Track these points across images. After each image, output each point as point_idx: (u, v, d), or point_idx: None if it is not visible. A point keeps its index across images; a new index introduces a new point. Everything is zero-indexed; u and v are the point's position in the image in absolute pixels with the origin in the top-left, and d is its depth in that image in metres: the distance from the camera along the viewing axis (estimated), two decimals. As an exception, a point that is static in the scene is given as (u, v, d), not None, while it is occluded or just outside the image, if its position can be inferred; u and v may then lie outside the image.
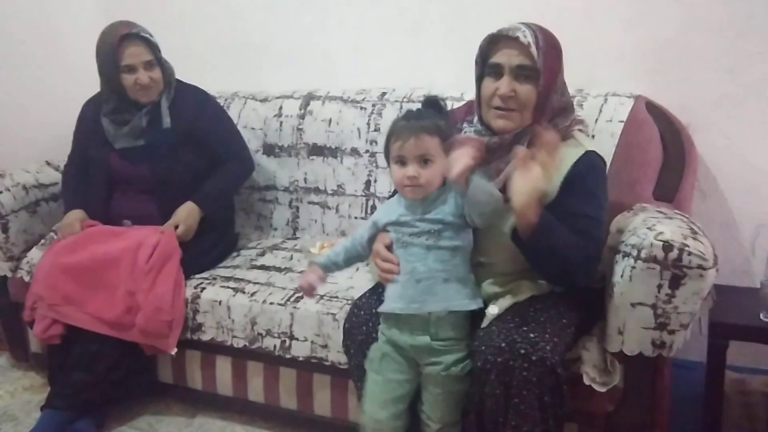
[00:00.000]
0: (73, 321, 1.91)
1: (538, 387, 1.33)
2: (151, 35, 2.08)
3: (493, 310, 1.43)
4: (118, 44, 2.02)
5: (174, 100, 2.14)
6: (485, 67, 1.51)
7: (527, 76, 1.45)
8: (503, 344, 1.34)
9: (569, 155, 1.47)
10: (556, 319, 1.42)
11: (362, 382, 1.58)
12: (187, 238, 2.04)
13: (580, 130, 1.56)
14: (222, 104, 2.43)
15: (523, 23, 1.49)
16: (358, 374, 1.59)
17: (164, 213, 2.08)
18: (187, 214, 2.07)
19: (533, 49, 1.43)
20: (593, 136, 1.84)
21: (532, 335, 1.35)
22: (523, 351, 1.33)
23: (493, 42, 1.49)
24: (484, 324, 1.43)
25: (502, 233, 1.45)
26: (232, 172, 2.23)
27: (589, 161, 1.49)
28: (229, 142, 2.25)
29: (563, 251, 1.40)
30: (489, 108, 1.50)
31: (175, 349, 1.91)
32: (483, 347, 1.37)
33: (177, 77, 2.20)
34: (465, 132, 1.57)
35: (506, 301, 1.45)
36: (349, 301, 1.79)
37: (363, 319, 1.57)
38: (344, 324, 1.62)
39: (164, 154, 2.09)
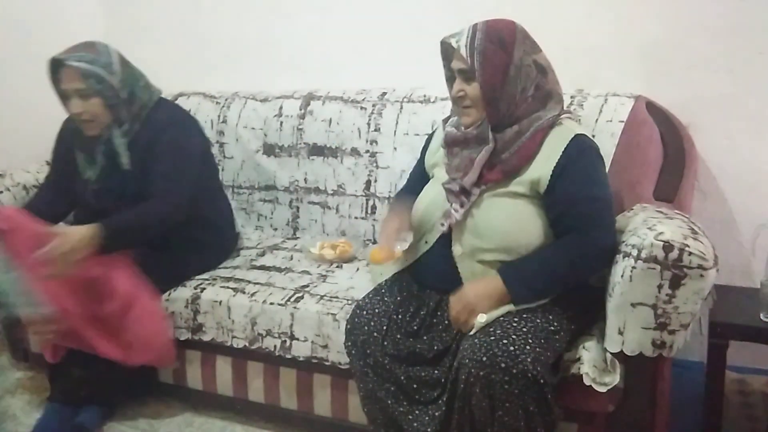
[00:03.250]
0: (76, 346, 1.85)
1: (521, 399, 1.35)
2: (87, 62, 1.86)
3: (481, 318, 1.44)
4: (51, 67, 1.89)
5: (141, 132, 1.97)
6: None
7: (469, 76, 1.54)
8: (484, 358, 1.36)
9: (559, 141, 1.52)
10: (541, 328, 1.43)
11: (364, 383, 1.58)
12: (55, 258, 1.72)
13: (569, 117, 1.60)
14: (222, 104, 2.42)
15: (472, 25, 1.55)
16: (360, 375, 1.60)
17: (142, 253, 1.94)
18: (72, 237, 1.75)
19: (462, 51, 1.52)
20: (593, 136, 1.84)
21: (512, 348, 1.36)
22: (503, 365, 1.34)
23: (443, 48, 1.61)
24: (472, 332, 1.44)
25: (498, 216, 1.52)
26: (149, 214, 1.91)
27: (580, 144, 1.52)
28: (164, 177, 1.94)
29: (562, 271, 1.48)
30: (458, 107, 1.61)
31: (176, 363, 1.96)
32: (466, 360, 1.39)
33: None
34: (445, 129, 1.66)
35: (498, 311, 1.46)
36: (350, 301, 1.79)
37: (365, 319, 1.58)
38: (346, 324, 1.63)
39: (125, 198, 1.93)
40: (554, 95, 1.58)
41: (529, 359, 1.34)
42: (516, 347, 1.36)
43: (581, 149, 1.52)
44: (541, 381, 1.35)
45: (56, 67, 1.89)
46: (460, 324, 1.48)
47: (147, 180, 1.93)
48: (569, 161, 1.49)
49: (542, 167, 1.51)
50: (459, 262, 1.55)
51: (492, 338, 1.39)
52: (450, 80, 1.63)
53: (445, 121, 1.70)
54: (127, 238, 1.88)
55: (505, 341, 1.37)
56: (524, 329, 1.41)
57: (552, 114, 1.55)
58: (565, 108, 1.62)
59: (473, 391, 1.38)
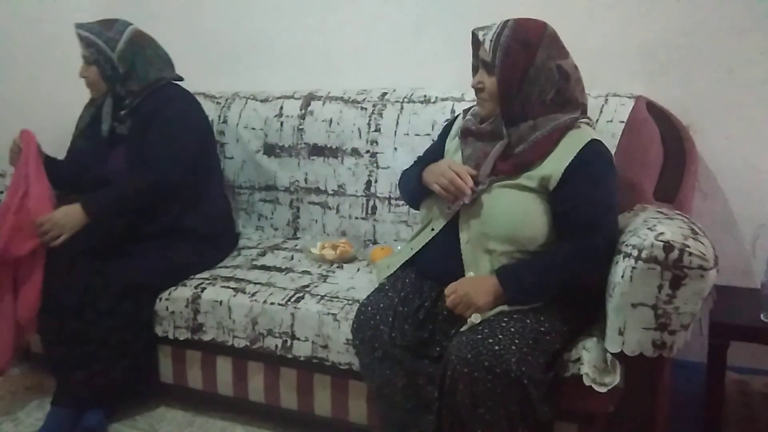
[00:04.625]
0: None
1: (502, 398, 1.36)
2: (93, 33, 2.06)
3: (476, 318, 1.45)
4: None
5: (141, 107, 2.09)
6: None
7: (490, 70, 1.57)
8: (469, 356, 1.37)
9: (574, 144, 1.54)
10: (530, 329, 1.43)
11: (374, 382, 1.59)
12: (53, 236, 1.91)
13: (587, 123, 1.61)
14: (223, 105, 2.43)
15: (504, 20, 1.58)
16: (368, 372, 1.60)
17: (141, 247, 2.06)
18: (65, 219, 1.93)
19: (487, 45, 1.56)
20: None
21: (497, 348, 1.37)
22: (486, 364, 1.35)
23: (473, 39, 1.64)
24: (464, 328, 1.45)
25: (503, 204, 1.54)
26: (133, 181, 2.04)
27: (594, 149, 1.54)
28: (157, 145, 2.06)
29: (559, 277, 1.49)
30: (477, 96, 1.65)
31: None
32: (453, 356, 1.40)
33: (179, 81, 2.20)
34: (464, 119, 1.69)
35: (490, 311, 1.46)
36: (350, 301, 1.79)
37: (370, 315, 1.59)
38: (352, 324, 1.63)
39: (107, 159, 2.10)
40: (573, 102, 1.58)
41: (513, 359, 1.35)
42: (501, 347, 1.37)
43: (596, 155, 1.53)
44: (525, 382, 1.35)
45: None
46: (459, 307, 1.48)
47: (143, 149, 2.07)
48: (582, 164, 1.51)
49: (555, 165, 1.52)
50: (464, 250, 1.57)
51: (479, 336, 1.40)
52: (475, 69, 1.65)
53: (467, 111, 1.73)
54: (113, 210, 2.02)
55: (491, 341, 1.38)
56: (512, 329, 1.41)
57: (570, 116, 1.56)
58: (586, 115, 1.63)
59: (457, 387, 1.39)
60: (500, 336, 1.39)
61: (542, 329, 1.45)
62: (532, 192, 1.53)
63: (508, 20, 1.57)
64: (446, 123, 1.87)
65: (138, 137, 2.08)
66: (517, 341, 1.39)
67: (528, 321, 1.45)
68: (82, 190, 2.08)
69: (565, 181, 1.51)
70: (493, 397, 1.36)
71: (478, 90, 1.61)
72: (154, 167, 2.06)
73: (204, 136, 2.25)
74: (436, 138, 1.91)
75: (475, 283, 1.50)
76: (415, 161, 1.89)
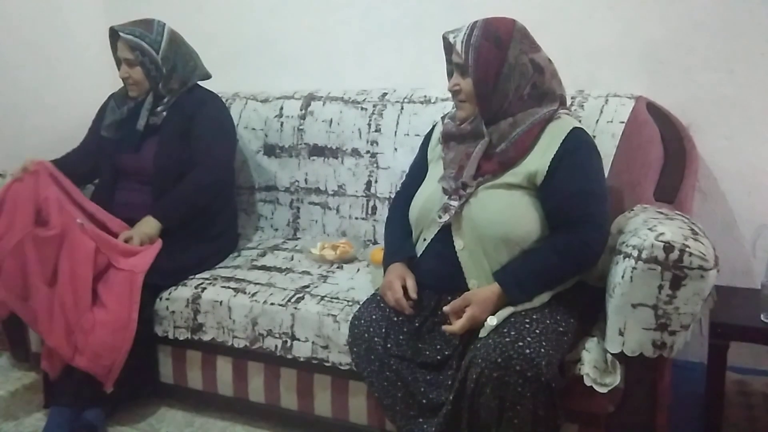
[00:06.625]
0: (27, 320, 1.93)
1: (531, 402, 1.35)
2: (136, 36, 2.12)
3: (492, 321, 1.44)
4: (110, 37, 2.17)
5: (179, 103, 2.18)
6: None
7: (464, 71, 1.57)
8: (499, 359, 1.36)
9: (555, 135, 1.55)
10: (551, 329, 1.43)
11: (375, 393, 1.59)
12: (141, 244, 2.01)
13: (567, 114, 1.62)
14: (224, 105, 2.44)
15: (472, 22, 1.59)
16: (369, 383, 1.60)
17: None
18: (144, 228, 2.04)
19: (459, 47, 1.56)
20: (594, 137, 1.84)
21: (527, 351, 1.36)
22: (518, 368, 1.34)
23: (444, 43, 1.65)
24: (482, 334, 1.43)
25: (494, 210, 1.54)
26: (194, 181, 2.13)
27: (577, 137, 1.56)
28: (207, 146, 2.16)
29: (556, 271, 1.50)
30: (454, 100, 1.66)
31: (112, 388, 1.87)
32: (479, 360, 1.38)
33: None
34: (444, 123, 1.70)
35: (505, 312, 1.46)
36: (350, 302, 1.79)
37: (363, 328, 1.59)
38: (348, 338, 1.64)
39: (138, 148, 2.16)
40: (551, 94, 1.59)
41: (543, 362, 1.35)
42: (531, 350, 1.36)
43: (579, 143, 1.55)
44: (553, 386, 1.35)
45: (114, 36, 2.17)
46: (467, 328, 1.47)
47: (190, 147, 2.16)
48: (566, 154, 1.52)
49: (539, 159, 1.53)
50: (461, 257, 1.56)
51: (507, 339, 1.38)
52: (450, 74, 1.65)
53: (444, 117, 1.73)
54: (181, 212, 2.12)
55: (520, 343, 1.37)
56: (537, 331, 1.40)
57: (549, 109, 1.57)
58: (566, 107, 1.64)
59: (483, 391, 1.37)
60: (528, 338, 1.38)
61: (561, 329, 1.45)
62: (519, 189, 1.53)
63: (476, 21, 1.58)
64: (426, 134, 1.86)
65: (170, 130, 2.15)
66: (544, 343, 1.38)
67: (548, 322, 1.44)
68: (97, 175, 2.26)
69: (551, 175, 1.51)
70: (523, 401, 1.35)
71: (455, 93, 1.62)
72: (211, 168, 2.16)
73: (236, 137, 2.37)
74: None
75: (479, 302, 1.48)
76: (403, 182, 1.89)
